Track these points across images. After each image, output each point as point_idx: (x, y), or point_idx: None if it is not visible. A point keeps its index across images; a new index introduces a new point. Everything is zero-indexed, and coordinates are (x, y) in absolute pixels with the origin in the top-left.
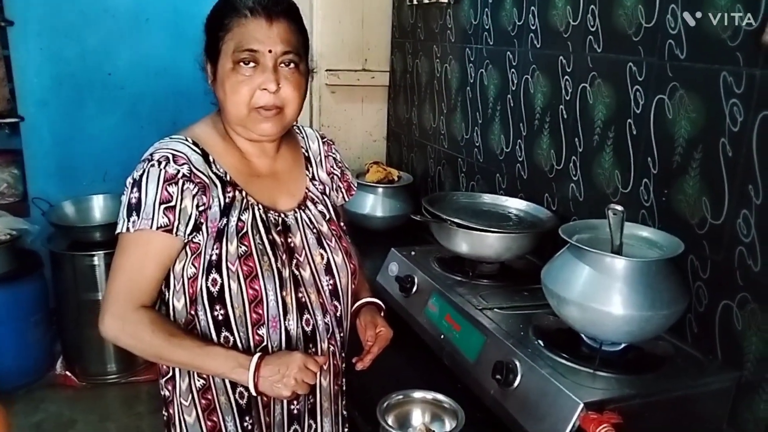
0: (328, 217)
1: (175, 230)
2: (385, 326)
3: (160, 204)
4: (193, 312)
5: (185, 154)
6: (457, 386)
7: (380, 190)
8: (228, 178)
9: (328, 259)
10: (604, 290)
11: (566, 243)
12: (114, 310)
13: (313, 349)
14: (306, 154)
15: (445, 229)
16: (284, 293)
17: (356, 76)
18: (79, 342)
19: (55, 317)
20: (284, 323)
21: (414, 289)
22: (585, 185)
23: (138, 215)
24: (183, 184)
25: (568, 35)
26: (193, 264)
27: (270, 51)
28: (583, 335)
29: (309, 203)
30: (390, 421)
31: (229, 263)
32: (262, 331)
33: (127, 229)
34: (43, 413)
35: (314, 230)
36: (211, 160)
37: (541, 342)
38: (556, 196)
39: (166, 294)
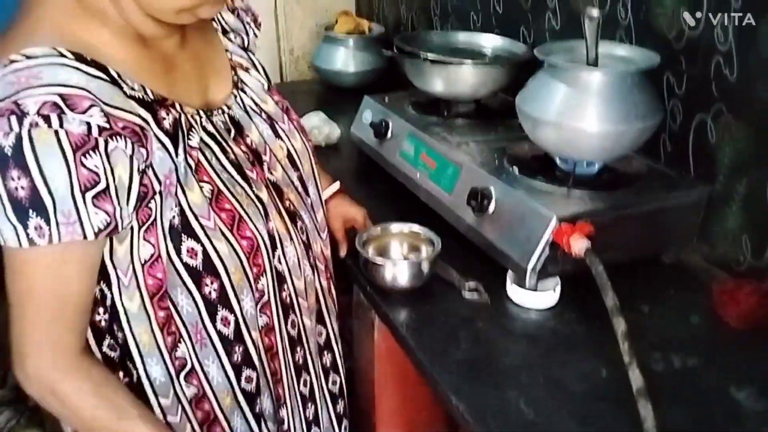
0: (266, 86)
1: (120, 224)
2: (357, 212)
3: (83, 192)
4: (165, 306)
5: (83, 88)
6: (434, 221)
7: (351, 41)
8: (151, 95)
9: (287, 148)
10: (579, 107)
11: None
12: (40, 361)
13: (312, 254)
14: None
15: (418, 67)
16: (270, 219)
17: None
18: None
19: None
20: (278, 255)
21: (389, 134)
22: (562, 12)
23: (43, 216)
24: (106, 144)
25: None
26: (146, 240)
27: None
28: (557, 159)
29: (242, 74)
30: (370, 253)
31: (201, 219)
32: (262, 282)
33: (30, 241)
34: None
35: (263, 114)
36: (116, 75)
37: (515, 168)
38: (532, 29)
39: (107, 295)
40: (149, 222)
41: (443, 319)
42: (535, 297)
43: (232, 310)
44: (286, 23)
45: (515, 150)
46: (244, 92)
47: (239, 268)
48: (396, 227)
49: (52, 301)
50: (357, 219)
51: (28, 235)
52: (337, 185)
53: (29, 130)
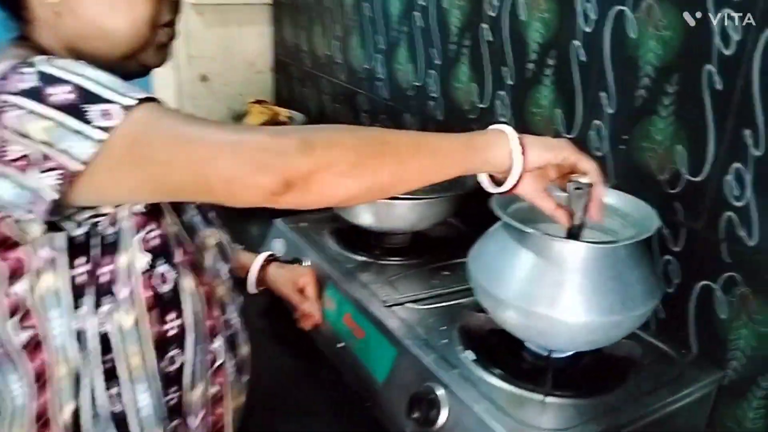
0: None
1: None
2: (303, 272)
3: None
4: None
5: None
6: (364, 414)
7: None
8: None
9: (219, 239)
10: (556, 288)
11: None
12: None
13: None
14: None
15: None
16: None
17: None
18: None
19: None
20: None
21: None
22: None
23: (102, 100)
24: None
25: None
26: (145, 250)
27: None
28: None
29: None
30: None
31: (173, 246)
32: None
33: (104, 129)
34: None
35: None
36: None
37: (470, 354)
38: None
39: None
40: (149, 230)
41: None
42: None
43: (184, 352)
44: (193, 107)
45: (468, 321)
46: None
47: (198, 312)
48: None
49: (186, 123)
50: (307, 281)
51: (98, 126)
52: (267, 253)
53: (45, 62)
